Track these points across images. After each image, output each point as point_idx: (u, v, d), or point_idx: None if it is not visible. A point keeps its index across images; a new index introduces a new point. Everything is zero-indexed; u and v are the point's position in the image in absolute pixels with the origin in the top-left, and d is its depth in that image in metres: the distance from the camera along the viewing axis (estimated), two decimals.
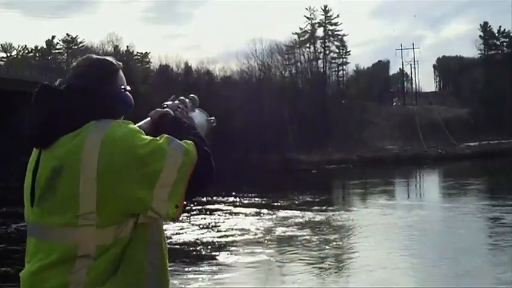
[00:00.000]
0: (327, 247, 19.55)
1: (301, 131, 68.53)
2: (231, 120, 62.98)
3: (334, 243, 20.29)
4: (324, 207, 30.45)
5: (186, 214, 30.04)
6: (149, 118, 2.71)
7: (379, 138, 72.93)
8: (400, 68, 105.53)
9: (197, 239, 22.21)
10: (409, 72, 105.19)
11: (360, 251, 18.71)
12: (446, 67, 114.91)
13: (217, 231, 24.28)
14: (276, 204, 32.34)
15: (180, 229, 25.02)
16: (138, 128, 2.45)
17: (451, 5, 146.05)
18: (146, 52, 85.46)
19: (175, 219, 2.40)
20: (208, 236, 22.95)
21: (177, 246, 20.90)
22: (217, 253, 19.50)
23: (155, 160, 2.31)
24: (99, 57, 2.60)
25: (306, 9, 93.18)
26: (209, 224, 26.39)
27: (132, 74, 64.77)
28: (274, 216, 27.64)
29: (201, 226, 25.67)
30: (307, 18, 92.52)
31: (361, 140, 71.05)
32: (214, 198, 36.28)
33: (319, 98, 78.54)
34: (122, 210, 2.32)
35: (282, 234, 22.63)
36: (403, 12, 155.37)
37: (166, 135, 2.41)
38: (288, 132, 69.07)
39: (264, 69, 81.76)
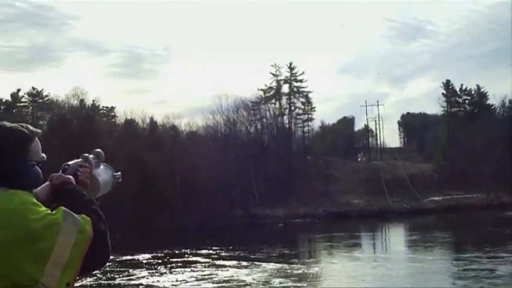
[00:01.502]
0: None
1: (266, 186, 68.42)
2: (197, 176, 62.90)
3: None
4: (302, 260, 31.69)
5: (169, 265, 30.47)
6: (48, 182, 2.62)
7: (344, 193, 73.10)
8: (365, 124, 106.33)
9: None
10: (374, 128, 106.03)
11: None
12: (410, 123, 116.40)
13: (216, 282, 24.78)
14: (254, 256, 32.79)
15: (176, 281, 25.39)
16: (33, 200, 2.34)
17: (414, 64, 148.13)
18: (112, 106, 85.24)
19: None
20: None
21: None
22: None
23: (48, 236, 2.22)
24: (12, 127, 2.43)
25: (272, 65, 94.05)
26: (203, 275, 26.78)
27: (97, 128, 64.59)
28: (261, 268, 28.19)
29: (196, 278, 26.22)
30: (273, 74, 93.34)
31: (326, 195, 71.14)
32: (185, 250, 36.40)
33: (284, 153, 78.80)
34: (9, 284, 2.19)
35: (280, 285, 23.47)
36: (367, 70, 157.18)
37: (63, 208, 2.33)
38: (254, 187, 69.01)
39: (229, 124, 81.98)
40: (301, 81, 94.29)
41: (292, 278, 24.88)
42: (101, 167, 3.00)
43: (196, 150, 66.35)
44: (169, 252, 36.25)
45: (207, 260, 32.11)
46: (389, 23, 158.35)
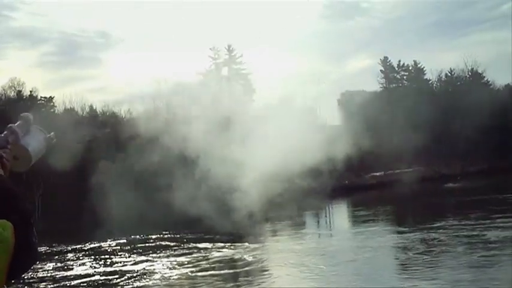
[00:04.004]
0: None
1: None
2: (142, 162, 62.50)
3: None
4: (264, 238, 34.05)
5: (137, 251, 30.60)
6: None
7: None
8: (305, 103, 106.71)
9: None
10: (314, 107, 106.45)
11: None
12: (350, 101, 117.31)
13: (218, 262, 25.93)
14: (218, 237, 33.27)
15: (178, 264, 26.05)
16: None
17: (352, 42, 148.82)
18: (50, 96, 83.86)
19: None
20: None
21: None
22: None
23: None
24: None
25: (210, 49, 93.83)
26: (199, 257, 27.45)
27: (36, 119, 63.60)
28: (245, 247, 29.62)
29: (196, 259, 26.98)
30: (212, 58, 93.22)
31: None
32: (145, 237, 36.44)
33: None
34: None
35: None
36: (306, 49, 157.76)
37: None
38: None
39: (170, 109, 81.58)
40: (240, 63, 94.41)
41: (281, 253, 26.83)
42: (31, 132, 2.89)
43: (138, 136, 65.87)
44: (132, 239, 36.55)
45: (179, 243, 32.25)
46: (325, 1, 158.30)
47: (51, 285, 23.23)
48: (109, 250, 32.60)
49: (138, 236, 37.38)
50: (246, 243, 30.26)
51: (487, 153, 66.48)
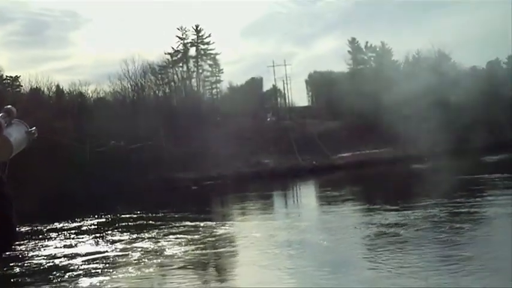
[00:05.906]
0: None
1: (177, 150, 68.20)
2: (107, 143, 62.26)
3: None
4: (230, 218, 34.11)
5: (128, 229, 30.91)
6: None
7: (254, 153, 73.44)
8: (273, 84, 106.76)
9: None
10: (282, 88, 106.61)
11: None
12: (318, 82, 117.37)
13: (219, 239, 26.04)
14: (203, 216, 33.69)
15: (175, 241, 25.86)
16: None
17: (320, 23, 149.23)
18: (16, 76, 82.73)
19: None
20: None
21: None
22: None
23: None
24: None
25: (178, 29, 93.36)
26: (192, 237, 26.86)
27: (1, 98, 62.87)
28: (237, 225, 30.21)
29: (190, 238, 26.50)
30: (180, 38, 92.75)
31: (237, 156, 71.29)
32: (126, 216, 36.36)
33: (194, 116, 78.52)
34: None
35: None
36: (273, 30, 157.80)
37: None
38: (164, 152, 68.58)
39: (137, 89, 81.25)
40: (208, 43, 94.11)
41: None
42: (13, 124, 2.91)
43: (105, 116, 65.48)
44: (112, 217, 36.46)
45: (169, 223, 32.07)
46: None
47: (67, 261, 23.19)
48: (94, 229, 32.45)
49: (109, 216, 37.26)
50: (233, 221, 30.68)
51: (453, 135, 66.90)
